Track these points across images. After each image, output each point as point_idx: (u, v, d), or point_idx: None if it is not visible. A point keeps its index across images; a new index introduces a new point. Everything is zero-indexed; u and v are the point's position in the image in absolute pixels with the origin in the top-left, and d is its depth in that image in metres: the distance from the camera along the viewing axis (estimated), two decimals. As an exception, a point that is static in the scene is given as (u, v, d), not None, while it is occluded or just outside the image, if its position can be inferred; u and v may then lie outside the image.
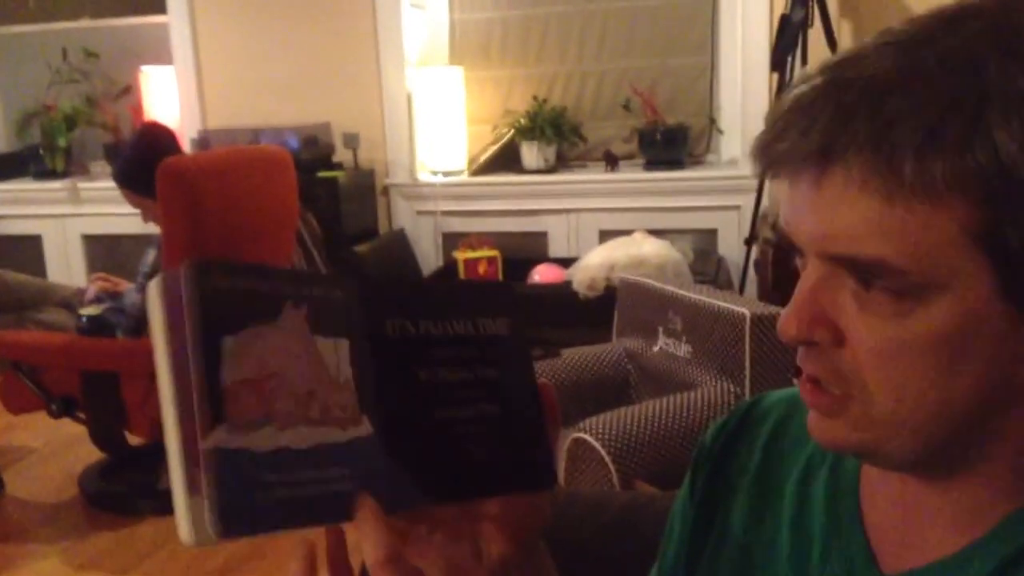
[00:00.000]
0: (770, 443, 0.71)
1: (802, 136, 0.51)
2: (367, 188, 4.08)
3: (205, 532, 0.46)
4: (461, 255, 3.79)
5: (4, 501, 2.92)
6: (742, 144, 3.75)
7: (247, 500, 0.47)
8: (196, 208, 2.56)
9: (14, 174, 4.61)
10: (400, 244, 4.07)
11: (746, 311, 2.03)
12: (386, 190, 4.14)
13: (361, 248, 3.75)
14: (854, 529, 0.63)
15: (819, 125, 0.50)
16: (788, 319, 0.55)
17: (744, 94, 3.73)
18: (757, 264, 3.10)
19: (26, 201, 4.53)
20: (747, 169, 3.65)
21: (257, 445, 0.48)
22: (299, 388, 0.50)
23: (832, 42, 3.22)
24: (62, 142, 4.55)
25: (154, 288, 0.48)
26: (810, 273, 0.55)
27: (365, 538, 0.50)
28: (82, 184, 4.44)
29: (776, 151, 0.53)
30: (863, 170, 0.49)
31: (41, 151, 4.57)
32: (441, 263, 4.06)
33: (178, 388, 0.47)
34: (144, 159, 2.70)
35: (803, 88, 0.52)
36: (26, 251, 4.50)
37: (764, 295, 2.82)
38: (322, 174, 3.84)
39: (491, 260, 3.78)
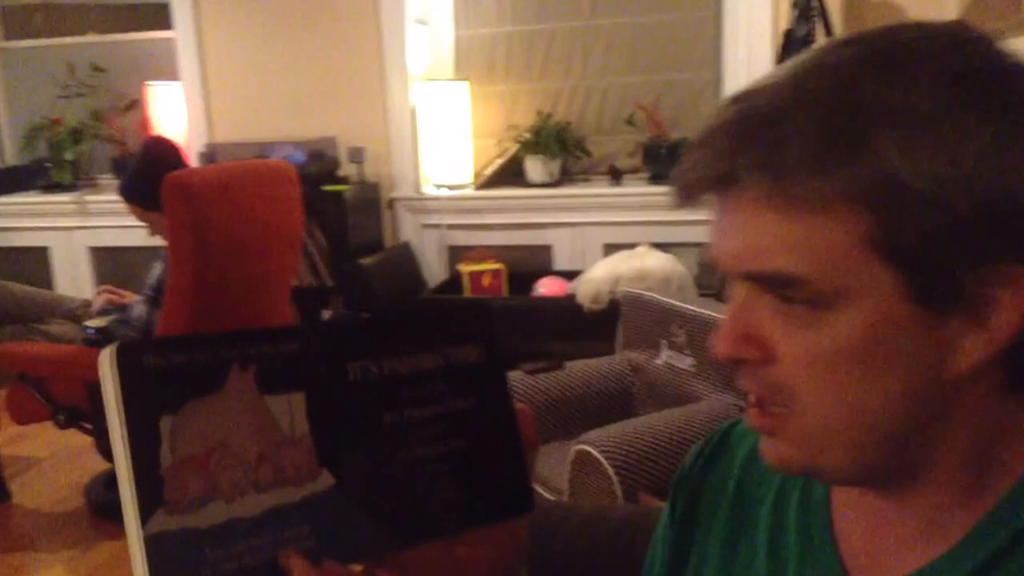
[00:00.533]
0: (745, 468, 0.71)
1: (708, 165, 0.54)
2: (372, 201, 4.10)
3: None
4: (466, 268, 3.80)
5: (10, 510, 2.93)
6: (746, 158, 3.76)
7: None
8: (202, 222, 2.57)
9: (22, 187, 4.64)
10: (405, 257, 4.09)
11: (749, 324, 2.04)
12: (391, 203, 4.16)
13: (366, 261, 3.76)
14: (826, 550, 0.63)
15: (721, 154, 0.54)
16: (718, 339, 0.57)
17: (748, 109, 3.74)
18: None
19: (33, 214, 4.55)
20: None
21: (201, 522, 0.48)
22: (247, 455, 0.50)
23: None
24: (69, 156, 4.59)
25: (106, 360, 0.47)
26: (736, 294, 0.57)
27: None
28: (89, 197, 4.47)
29: (687, 180, 0.56)
30: (760, 191, 0.53)
31: (48, 165, 4.60)
32: (446, 276, 4.06)
33: (135, 466, 0.47)
34: (150, 173, 2.71)
35: (713, 121, 0.55)
36: (34, 263, 4.52)
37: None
38: (327, 188, 3.86)
39: (496, 273, 3.79)
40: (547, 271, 3.85)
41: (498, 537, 0.59)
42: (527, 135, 4.01)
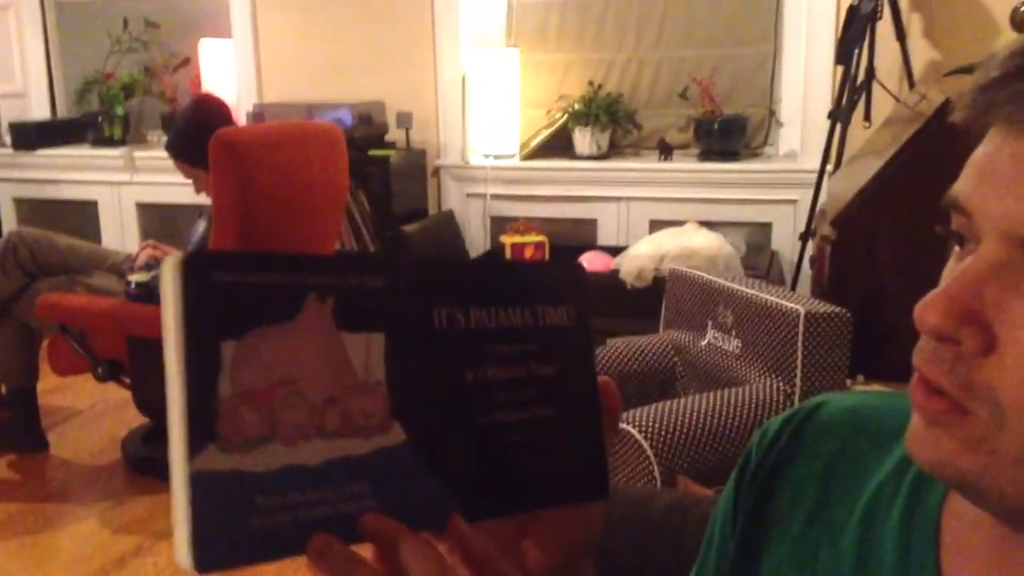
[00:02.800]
0: (831, 465, 0.62)
1: None
2: (418, 168, 4.07)
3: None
4: (508, 239, 3.76)
5: (47, 461, 2.96)
6: (802, 137, 3.67)
7: (235, 528, 0.42)
8: (247, 180, 2.56)
9: (73, 140, 4.68)
10: (448, 226, 4.05)
11: (800, 308, 1.98)
12: (437, 171, 4.12)
13: (409, 228, 3.73)
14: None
15: None
16: (934, 304, 0.45)
17: (806, 86, 3.64)
18: (813, 260, 3.02)
19: (83, 167, 4.59)
20: (806, 163, 3.57)
21: (256, 465, 0.43)
22: (316, 396, 0.45)
23: (901, 35, 3.12)
24: (120, 110, 4.61)
25: (169, 269, 0.42)
26: (981, 258, 0.45)
27: (410, 559, 0.45)
28: (138, 153, 4.49)
29: (1009, 91, 0.44)
30: None
31: (99, 119, 4.63)
32: (488, 247, 4.03)
33: (188, 391, 0.42)
34: (197, 130, 2.70)
35: None
36: (82, 216, 4.56)
37: (818, 293, 2.74)
38: (374, 152, 3.83)
39: (538, 245, 3.74)
40: (591, 246, 3.79)
41: (569, 522, 0.54)
42: (577, 106, 3.94)
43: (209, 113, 2.81)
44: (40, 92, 4.84)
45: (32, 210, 4.66)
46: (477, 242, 4.09)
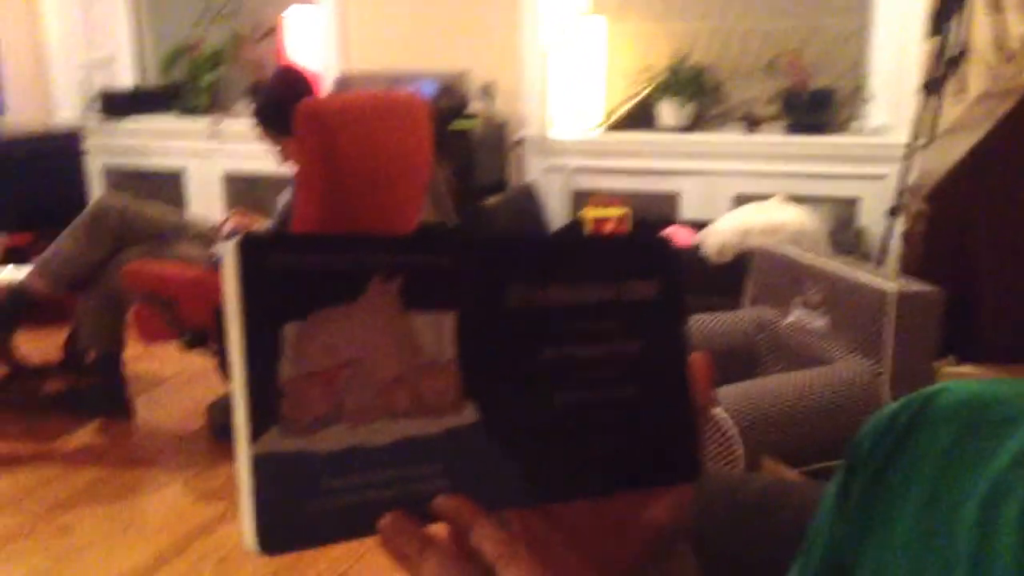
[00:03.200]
0: (946, 457, 0.58)
1: None
2: (499, 140, 4.05)
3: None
4: (590, 213, 3.72)
5: (133, 428, 3.01)
6: (891, 111, 3.54)
7: (300, 510, 0.42)
8: (331, 150, 2.57)
9: (160, 109, 4.76)
10: (529, 199, 4.03)
11: (891, 287, 1.91)
12: (518, 143, 4.10)
13: (490, 201, 3.72)
14: None
15: None
16: None
17: (898, 59, 3.51)
18: (906, 237, 2.92)
19: (171, 136, 4.67)
20: (896, 136, 3.45)
21: (320, 446, 0.43)
22: (382, 375, 0.44)
23: (997, 7, 2.98)
24: (207, 80, 4.68)
25: (229, 253, 0.42)
26: None
27: (483, 540, 0.44)
28: (225, 122, 4.55)
29: None
30: None
31: (186, 88, 4.70)
32: (569, 220, 4.00)
33: (250, 374, 0.42)
34: (283, 99, 2.72)
35: None
36: (170, 185, 4.65)
37: (908, 270, 2.65)
38: (456, 124, 3.82)
39: (620, 219, 3.70)
40: (673, 220, 3.73)
41: (657, 505, 0.52)
42: (662, 76, 3.87)
43: (295, 82, 2.83)
44: (129, 60, 4.91)
45: (121, 179, 4.77)
46: (557, 216, 4.06)
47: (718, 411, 1.81)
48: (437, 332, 0.46)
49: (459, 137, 3.77)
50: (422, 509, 0.45)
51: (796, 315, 2.27)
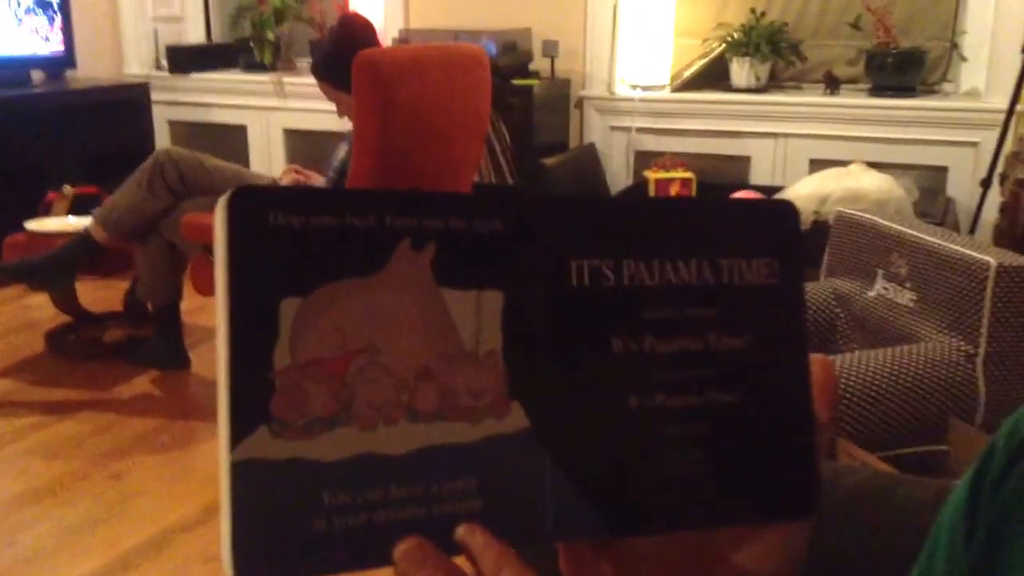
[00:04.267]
0: None
1: None
2: (561, 99, 3.92)
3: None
4: (653, 175, 3.59)
5: (188, 378, 3.01)
6: (988, 74, 3.32)
7: (292, 531, 0.33)
8: (388, 103, 2.47)
9: (225, 65, 4.75)
10: (590, 159, 3.90)
11: (991, 260, 1.75)
12: (580, 102, 3.96)
13: (550, 161, 3.60)
14: None
15: None
16: None
17: (996, 18, 3.29)
18: (1004, 208, 2.73)
19: (234, 92, 4.64)
20: (991, 101, 3.24)
21: (322, 453, 0.34)
22: (405, 368, 0.35)
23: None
24: (270, 35, 4.63)
25: (220, 209, 0.34)
26: None
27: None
28: (287, 79, 4.51)
29: None
30: None
31: (251, 44, 4.67)
32: (631, 182, 3.86)
33: (234, 362, 0.33)
34: (342, 50, 2.63)
35: None
36: (232, 140, 4.63)
37: (1004, 244, 2.47)
38: (517, 81, 3.71)
39: (685, 183, 3.56)
40: (743, 184, 3.58)
41: (755, 546, 0.41)
42: (736, 34, 3.69)
43: (354, 33, 2.73)
44: (196, 16, 4.92)
45: (185, 132, 4.76)
46: (619, 177, 3.93)
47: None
48: (478, 316, 0.36)
49: (520, 95, 3.66)
50: (449, 536, 0.35)
51: (879, 288, 2.12)
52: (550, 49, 3.84)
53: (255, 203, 0.33)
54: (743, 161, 3.73)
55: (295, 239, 0.33)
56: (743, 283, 0.41)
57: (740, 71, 3.71)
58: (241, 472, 0.32)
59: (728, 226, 0.41)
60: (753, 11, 3.72)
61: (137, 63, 4.82)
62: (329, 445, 0.33)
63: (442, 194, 0.36)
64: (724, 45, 3.73)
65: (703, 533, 0.40)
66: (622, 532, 0.38)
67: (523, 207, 0.37)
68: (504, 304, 0.36)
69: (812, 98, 3.63)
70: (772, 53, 3.67)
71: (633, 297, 0.38)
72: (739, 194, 3.37)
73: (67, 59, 4.31)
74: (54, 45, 4.24)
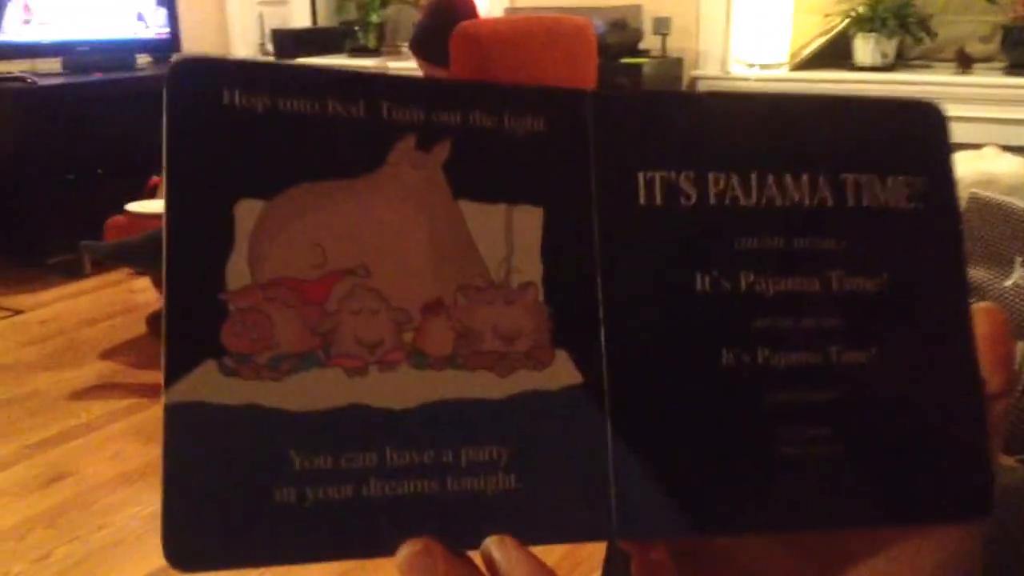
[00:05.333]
0: None
1: None
2: (673, 79, 3.77)
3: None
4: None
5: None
6: None
7: (247, 503, 0.25)
8: (484, 75, 2.39)
9: (331, 49, 4.77)
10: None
11: None
12: (693, 82, 3.80)
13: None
14: None
15: None
16: None
17: None
18: None
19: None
20: None
21: (291, 400, 0.25)
22: (407, 297, 0.26)
23: None
24: (375, 18, 4.63)
25: (166, 87, 0.26)
26: None
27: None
28: (392, 63, 4.49)
29: None
30: None
31: (356, 28, 4.67)
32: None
33: (171, 278, 0.26)
34: (440, 25, 2.57)
35: None
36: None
37: None
38: (625, 60, 3.58)
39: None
40: (866, 169, 3.37)
41: (907, 553, 0.29)
42: (860, 9, 3.48)
43: (453, 7, 2.66)
44: (302, 1, 4.95)
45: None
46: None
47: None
48: (508, 237, 0.27)
49: (628, 75, 3.53)
50: (471, 520, 0.26)
51: (1016, 278, 1.93)
52: (661, 26, 3.70)
53: (206, 78, 0.25)
54: (865, 144, 3.52)
55: (257, 125, 0.25)
56: (876, 207, 0.31)
57: (865, 48, 3.49)
58: (179, 418, 0.24)
59: (853, 131, 0.31)
60: (879, -16, 3.50)
61: (243, 47, 4.89)
62: (301, 390, 0.25)
63: (461, 82, 0.28)
64: (848, 20, 3.52)
65: (827, 535, 0.30)
66: (715, 531, 0.28)
67: (572, 102, 0.28)
68: (545, 224, 0.27)
69: (942, 77, 3.39)
70: (899, 28, 3.44)
71: (723, 220, 0.29)
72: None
73: (172, 43, 4.38)
74: (159, 29, 4.31)
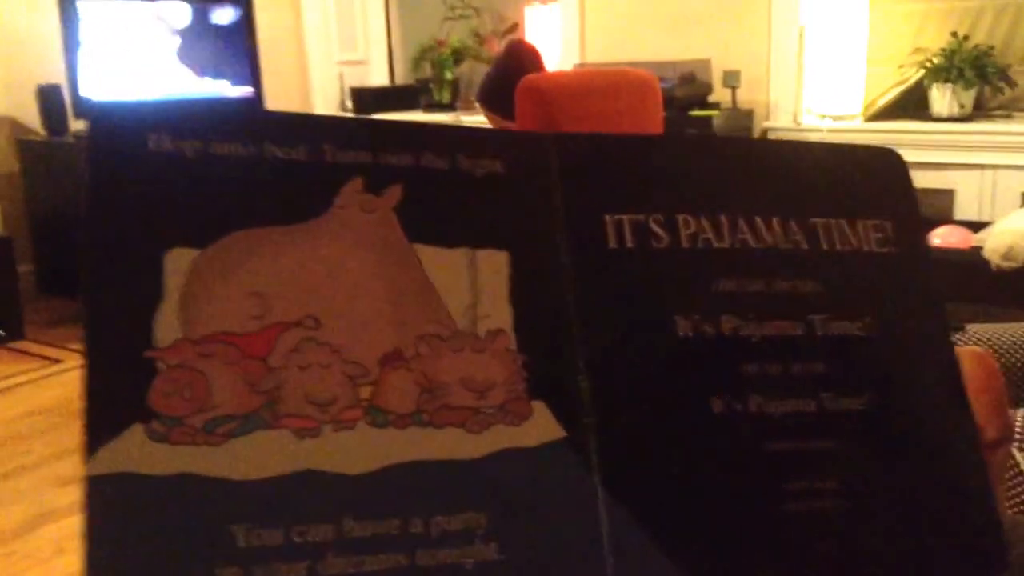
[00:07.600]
0: None
1: None
2: (743, 131, 3.74)
3: None
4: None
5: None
6: None
7: None
8: (549, 126, 2.40)
9: (408, 106, 4.89)
10: (775, 195, 3.70)
11: None
12: (764, 133, 3.76)
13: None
14: None
15: None
16: None
17: None
18: None
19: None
20: None
21: (230, 468, 0.22)
22: (362, 349, 0.24)
23: None
24: (449, 75, 4.73)
25: (89, 133, 0.26)
26: None
27: None
28: (464, 117, 4.56)
29: None
30: None
31: (430, 84, 4.77)
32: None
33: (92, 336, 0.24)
34: (506, 77, 2.59)
35: None
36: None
37: None
38: (695, 113, 3.57)
39: (880, 219, 3.29)
40: (945, 219, 3.26)
41: None
42: (936, 60, 3.41)
43: (519, 59, 2.69)
44: (380, 60, 5.10)
45: (366, 172, 4.92)
46: (806, 214, 3.70)
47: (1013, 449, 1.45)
48: (473, 282, 0.25)
49: (698, 127, 3.52)
50: None
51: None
52: (731, 79, 3.68)
53: (129, 123, 0.24)
54: (946, 195, 3.42)
55: (187, 170, 0.24)
56: (849, 250, 0.29)
57: (941, 99, 3.41)
58: (104, 491, 0.22)
59: (819, 176, 0.30)
60: (955, 34, 3.43)
61: (323, 104, 5.02)
62: (244, 456, 0.23)
63: (409, 123, 0.27)
64: (923, 71, 3.45)
65: None
66: None
67: (532, 144, 0.27)
68: (512, 268, 0.25)
69: (1023, 127, 3.29)
70: (977, 79, 3.36)
71: (699, 262, 0.27)
72: (940, 229, 3.07)
73: (256, 101, 4.51)
74: (243, 88, 4.44)
